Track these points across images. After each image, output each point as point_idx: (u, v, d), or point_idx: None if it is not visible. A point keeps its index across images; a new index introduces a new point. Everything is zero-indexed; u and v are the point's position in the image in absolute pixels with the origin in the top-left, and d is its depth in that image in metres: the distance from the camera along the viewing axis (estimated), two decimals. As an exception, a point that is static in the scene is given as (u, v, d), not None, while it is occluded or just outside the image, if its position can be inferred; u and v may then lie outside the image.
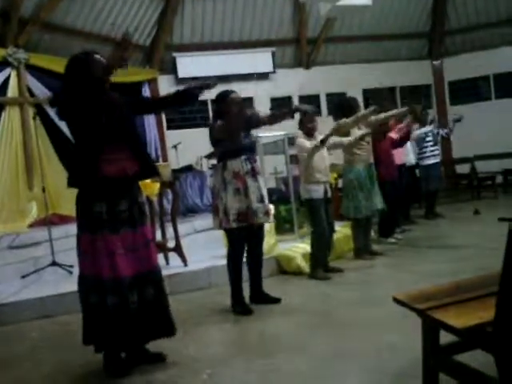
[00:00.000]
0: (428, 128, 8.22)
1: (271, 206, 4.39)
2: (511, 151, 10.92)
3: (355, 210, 5.72)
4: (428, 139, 8.20)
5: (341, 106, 6.03)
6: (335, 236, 5.51)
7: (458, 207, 9.34)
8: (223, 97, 4.13)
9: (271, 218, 4.33)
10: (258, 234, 4.25)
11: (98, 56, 3.08)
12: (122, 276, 2.91)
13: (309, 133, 5.12)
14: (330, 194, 5.22)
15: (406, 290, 2.39)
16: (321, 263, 5.16)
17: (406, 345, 2.86)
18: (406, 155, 7.93)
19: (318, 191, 5.07)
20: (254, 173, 4.10)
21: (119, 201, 2.99)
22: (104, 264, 2.91)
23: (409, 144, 7.96)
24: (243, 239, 4.19)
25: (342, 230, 6.18)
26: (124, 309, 2.92)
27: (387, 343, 3.10)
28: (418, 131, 8.06)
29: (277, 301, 4.32)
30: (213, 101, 4.28)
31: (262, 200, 4.09)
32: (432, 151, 8.24)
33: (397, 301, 2.28)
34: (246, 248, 4.26)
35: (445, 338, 2.19)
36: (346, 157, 5.82)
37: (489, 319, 1.88)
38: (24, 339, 4.05)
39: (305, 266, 5.31)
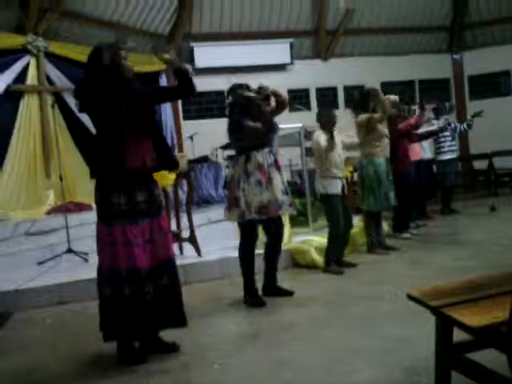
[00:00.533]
0: (444, 119, 8.08)
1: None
2: (530, 148, 10.77)
3: (374, 203, 5.73)
4: (446, 134, 8.10)
5: (358, 99, 5.99)
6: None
7: (475, 203, 9.25)
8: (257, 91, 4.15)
9: (292, 208, 4.32)
10: (278, 226, 4.25)
11: (120, 46, 3.12)
12: (139, 267, 2.96)
13: (326, 127, 5.04)
14: (346, 189, 5.20)
15: (419, 286, 2.38)
16: (335, 258, 5.16)
17: (418, 341, 2.86)
18: (422, 150, 7.85)
19: (335, 186, 5.05)
20: (277, 165, 4.14)
21: (138, 192, 3.04)
22: (122, 255, 2.95)
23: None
24: (256, 231, 4.22)
25: (357, 224, 6.16)
26: (139, 299, 2.97)
27: (399, 339, 3.09)
28: (435, 122, 7.93)
29: (290, 294, 4.32)
30: (229, 92, 4.27)
31: (286, 192, 4.13)
32: (450, 146, 8.15)
33: (411, 297, 2.27)
34: (264, 240, 4.32)
35: (458, 335, 2.19)
36: (365, 150, 5.78)
37: (503, 318, 1.86)
38: (39, 325, 4.11)
39: (319, 259, 5.30)
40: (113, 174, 3.00)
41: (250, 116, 4.06)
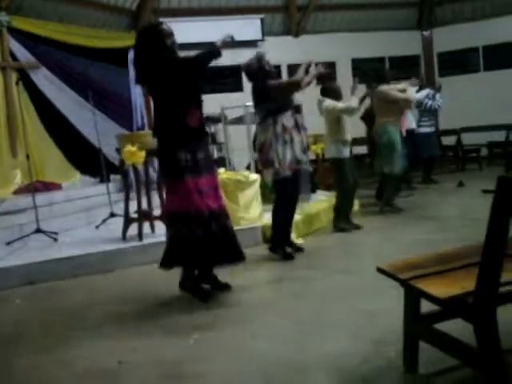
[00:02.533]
0: (426, 92, 8.16)
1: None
2: (497, 124, 10.94)
3: (391, 166, 6.21)
4: (427, 108, 8.32)
5: (377, 74, 6.71)
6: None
7: (443, 178, 9.40)
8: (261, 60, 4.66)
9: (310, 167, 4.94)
10: (298, 182, 4.78)
11: (165, 26, 3.67)
12: (212, 208, 3.58)
13: (336, 96, 5.66)
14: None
15: (389, 260, 2.41)
16: (343, 215, 5.72)
17: (388, 313, 2.91)
18: (407, 121, 7.93)
19: (345, 151, 5.61)
20: (297, 126, 4.59)
21: (198, 150, 3.61)
22: (195, 200, 3.52)
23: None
24: (294, 186, 4.68)
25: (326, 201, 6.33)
26: (209, 235, 3.56)
27: (369, 311, 3.14)
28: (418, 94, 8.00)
29: (301, 249, 4.90)
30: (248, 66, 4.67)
31: (304, 151, 4.63)
32: (429, 120, 8.41)
33: (380, 270, 2.31)
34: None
35: (425, 307, 2.23)
36: (378, 120, 6.32)
37: (470, 289, 1.90)
38: (8, 305, 4.05)
39: (292, 234, 5.33)
40: (177, 133, 3.57)
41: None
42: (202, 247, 3.56)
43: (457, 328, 2.18)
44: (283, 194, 4.70)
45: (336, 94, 5.71)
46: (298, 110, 4.91)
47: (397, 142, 6.19)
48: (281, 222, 4.76)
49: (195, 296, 3.71)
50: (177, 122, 3.57)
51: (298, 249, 4.91)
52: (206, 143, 3.85)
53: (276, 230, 4.78)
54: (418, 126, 8.47)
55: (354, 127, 6.36)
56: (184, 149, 3.55)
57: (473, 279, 1.89)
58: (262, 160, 4.67)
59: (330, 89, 5.78)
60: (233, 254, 3.72)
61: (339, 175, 5.70)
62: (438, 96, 8.41)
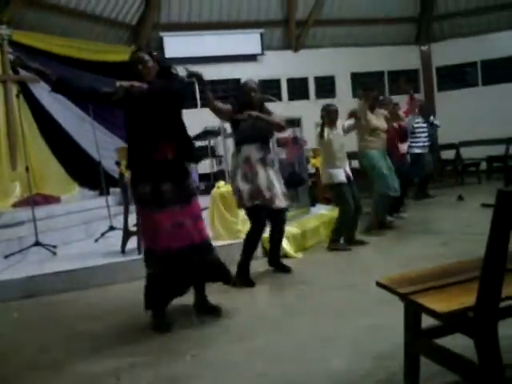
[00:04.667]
0: (419, 119, 8.31)
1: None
2: (496, 138, 10.99)
3: (376, 186, 6.12)
4: (423, 130, 8.34)
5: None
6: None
7: (442, 192, 9.41)
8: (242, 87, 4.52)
9: (286, 203, 4.54)
10: (278, 215, 4.55)
11: (140, 53, 3.51)
12: (172, 246, 3.31)
13: (329, 122, 5.52)
14: (352, 177, 5.59)
15: (389, 275, 2.40)
16: (341, 237, 5.60)
17: (388, 328, 2.89)
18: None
19: (339, 175, 5.45)
20: (264, 162, 4.37)
21: (163, 182, 3.34)
22: (152, 237, 3.35)
23: None
24: (263, 217, 4.44)
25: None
26: (167, 273, 3.35)
27: (370, 327, 3.12)
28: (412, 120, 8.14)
29: (288, 270, 4.71)
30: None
31: (270, 188, 4.35)
32: (424, 142, 8.41)
33: (380, 285, 2.29)
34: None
35: (426, 322, 2.22)
36: (360, 144, 6.19)
37: (470, 304, 1.89)
38: (6, 318, 4.03)
39: (290, 249, 5.33)
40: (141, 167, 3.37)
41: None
42: (155, 287, 3.40)
43: (458, 343, 2.17)
44: (251, 226, 4.46)
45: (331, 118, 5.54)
46: (266, 141, 4.47)
47: (377, 164, 6.05)
48: (245, 250, 4.49)
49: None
50: (142, 155, 3.36)
51: (284, 268, 4.75)
52: (179, 174, 3.45)
53: (242, 257, 4.51)
54: (410, 146, 8.45)
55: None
56: (145, 181, 3.36)
57: (473, 294, 1.88)
58: (232, 187, 4.54)
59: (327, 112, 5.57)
60: (216, 275, 3.60)
61: (337, 200, 5.67)
62: (435, 121, 8.61)
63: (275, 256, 4.84)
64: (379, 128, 6.07)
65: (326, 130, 5.49)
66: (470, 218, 6.55)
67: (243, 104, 4.37)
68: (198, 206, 3.56)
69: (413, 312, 2.23)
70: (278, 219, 4.61)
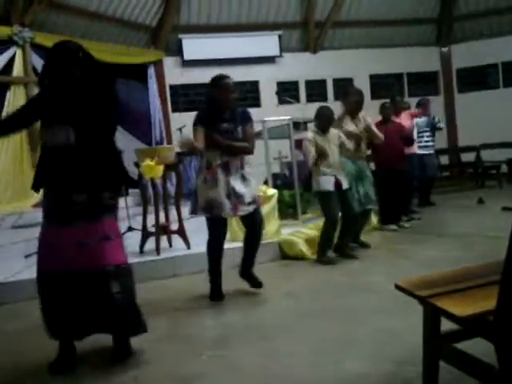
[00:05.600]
0: (423, 118, 8.19)
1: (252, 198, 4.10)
2: (517, 140, 10.85)
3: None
4: (426, 129, 8.21)
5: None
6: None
7: (463, 195, 9.31)
8: (215, 81, 4.02)
9: (241, 213, 4.05)
10: (252, 218, 4.11)
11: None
12: (68, 269, 2.91)
13: (324, 129, 5.25)
14: (345, 185, 5.19)
15: (407, 277, 2.38)
16: (327, 249, 5.19)
17: (407, 332, 2.87)
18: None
19: (327, 183, 5.11)
20: (227, 168, 4.00)
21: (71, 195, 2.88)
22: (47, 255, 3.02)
23: None
24: (219, 228, 4.09)
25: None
26: (66, 299, 2.95)
27: (387, 330, 3.10)
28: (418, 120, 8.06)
29: (259, 285, 4.20)
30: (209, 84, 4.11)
31: (229, 197, 3.95)
32: (427, 141, 8.24)
33: (399, 288, 2.27)
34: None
35: (445, 325, 2.20)
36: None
37: (490, 308, 1.87)
38: (26, 317, 4.07)
39: (307, 251, 5.31)
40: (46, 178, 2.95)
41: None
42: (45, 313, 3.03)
43: (478, 347, 2.14)
44: (209, 236, 4.13)
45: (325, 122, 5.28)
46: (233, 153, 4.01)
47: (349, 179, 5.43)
48: (208, 263, 4.21)
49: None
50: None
51: (256, 282, 4.24)
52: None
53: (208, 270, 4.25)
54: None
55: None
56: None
57: (494, 297, 1.85)
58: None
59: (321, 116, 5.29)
60: (119, 323, 2.93)
61: (322, 208, 5.27)
62: (439, 123, 8.44)
63: (247, 265, 4.28)
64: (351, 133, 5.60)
65: (315, 135, 5.21)
66: (490, 221, 6.47)
67: (216, 108, 4.01)
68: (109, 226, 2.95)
69: (432, 315, 2.20)
70: (250, 222, 4.14)
